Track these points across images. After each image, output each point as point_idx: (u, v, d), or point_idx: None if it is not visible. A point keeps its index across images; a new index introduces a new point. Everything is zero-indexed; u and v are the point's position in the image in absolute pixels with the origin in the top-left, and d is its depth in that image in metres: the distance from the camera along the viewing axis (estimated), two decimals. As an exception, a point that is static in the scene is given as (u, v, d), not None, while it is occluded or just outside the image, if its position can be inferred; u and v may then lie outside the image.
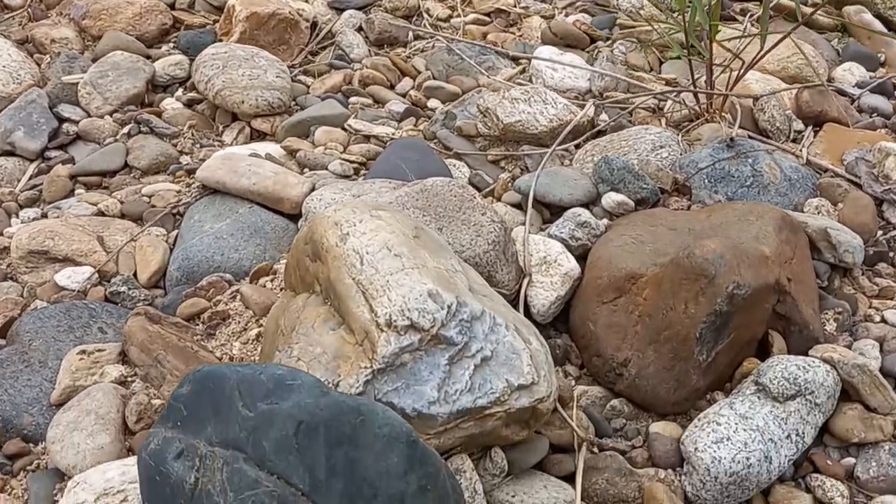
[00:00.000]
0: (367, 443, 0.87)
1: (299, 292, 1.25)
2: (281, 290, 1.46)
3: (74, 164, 1.93)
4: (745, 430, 1.18)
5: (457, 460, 1.12)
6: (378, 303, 1.11)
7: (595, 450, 1.27)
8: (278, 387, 0.89)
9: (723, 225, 1.45)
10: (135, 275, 1.61)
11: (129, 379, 1.33)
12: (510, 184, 1.75)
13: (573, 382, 1.38)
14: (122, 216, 1.77)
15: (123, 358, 1.38)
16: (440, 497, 0.88)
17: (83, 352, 1.36)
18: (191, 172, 1.85)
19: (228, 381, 0.92)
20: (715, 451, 1.16)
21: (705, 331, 1.26)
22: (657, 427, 1.29)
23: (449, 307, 1.12)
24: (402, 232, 1.21)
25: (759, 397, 1.23)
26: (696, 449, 1.17)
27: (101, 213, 1.77)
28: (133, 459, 1.11)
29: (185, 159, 1.93)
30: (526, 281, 1.46)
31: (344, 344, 1.11)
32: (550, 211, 1.65)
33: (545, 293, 1.45)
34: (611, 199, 1.61)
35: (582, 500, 1.18)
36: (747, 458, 1.15)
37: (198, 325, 1.45)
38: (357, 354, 1.09)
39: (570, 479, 1.24)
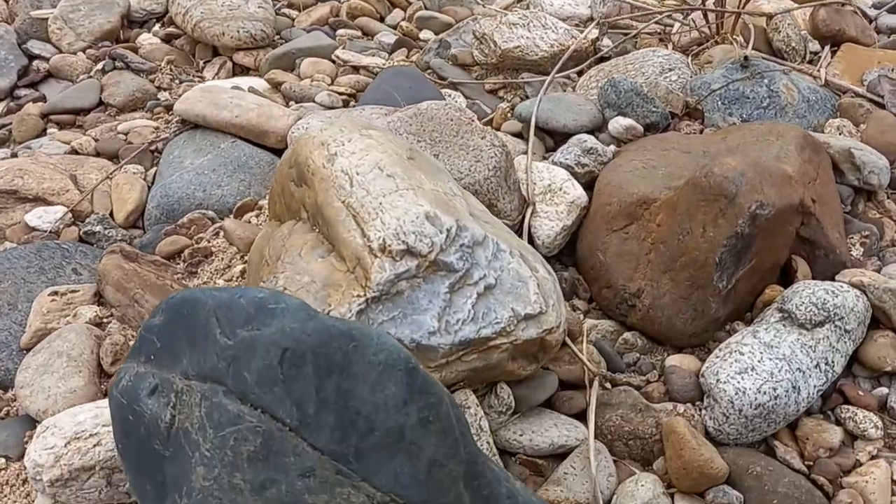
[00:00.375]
0: (360, 371, 0.78)
1: (285, 221, 1.15)
2: (266, 223, 1.36)
3: (46, 102, 1.82)
4: (770, 359, 1.09)
5: (460, 396, 1.04)
6: (370, 226, 1.01)
7: (608, 385, 1.18)
8: (260, 311, 0.80)
9: (741, 146, 1.35)
10: (111, 214, 1.51)
11: (105, 320, 1.23)
12: (509, 113, 1.64)
13: (582, 317, 1.29)
14: (97, 154, 1.66)
15: (99, 299, 1.28)
16: (444, 430, 0.79)
17: (55, 293, 1.26)
18: (169, 109, 1.74)
19: (204, 307, 0.82)
20: (739, 382, 1.07)
21: (725, 256, 1.16)
22: (674, 360, 1.20)
23: (448, 231, 1.02)
24: (394, 152, 1.10)
25: (784, 325, 1.14)
26: (717, 381, 1.08)
27: (74, 152, 1.66)
28: (107, 401, 1.02)
29: (163, 95, 1.82)
30: (529, 210, 1.35)
31: (334, 272, 1.01)
32: (553, 139, 1.55)
33: (550, 223, 1.35)
34: (618, 123, 1.50)
35: (595, 438, 1.09)
36: (774, 389, 1.06)
37: (178, 263, 1.35)
38: (349, 282, 0.99)
39: (581, 416, 1.15)
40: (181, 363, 0.83)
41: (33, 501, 1.00)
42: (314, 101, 1.70)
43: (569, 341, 1.18)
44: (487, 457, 0.84)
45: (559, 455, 1.11)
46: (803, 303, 1.14)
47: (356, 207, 1.03)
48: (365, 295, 0.97)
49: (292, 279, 1.01)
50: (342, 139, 1.10)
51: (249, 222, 1.41)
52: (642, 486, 1.02)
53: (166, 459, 0.84)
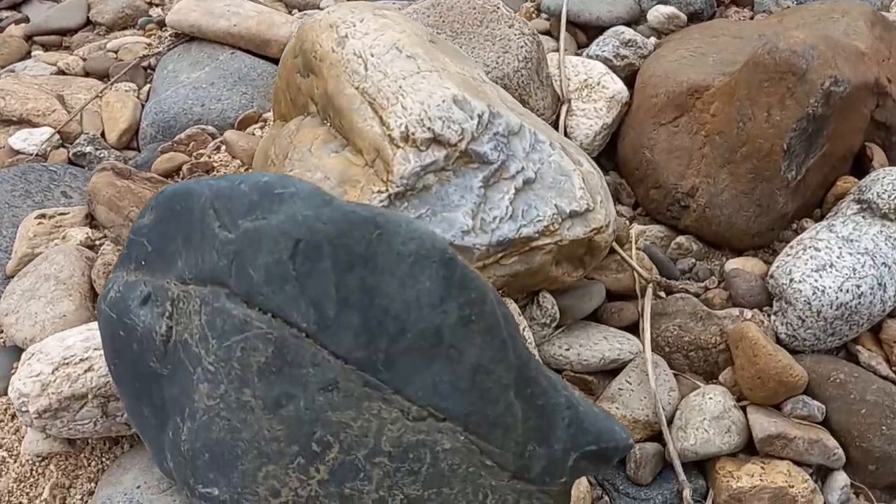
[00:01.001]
0: (388, 264, 0.65)
1: (292, 118, 1.01)
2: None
3: (29, 23, 1.68)
4: (850, 254, 0.95)
5: (499, 305, 0.91)
6: (390, 113, 0.87)
7: (661, 294, 1.05)
8: (265, 197, 0.67)
9: (801, 27, 1.20)
10: (102, 135, 1.38)
11: (98, 242, 1.11)
12: (534, 12, 1.49)
13: (628, 223, 1.16)
14: (86, 74, 1.53)
15: (91, 221, 1.15)
16: (489, 330, 0.66)
17: (42, 216, 1.13)
18: (162, 25, 1.60)
19: (200, 199, 0.69)
20: (816, 281, 0.93)
21: (794, 141, 1.02)
22: (735, 263, 1.07)
23: (480, 117, 0.88)
24: (413, 32, 0.96)
25: (864, 216, 1.00)
26: (791, 280, 0.95)
27: (61, 73, 1.53)
28: (99, 324, 0.90)
29: (155, 11, 1.68)
30: (564, 109, 1.21)
31: (350, 166, 0.88)
32: (586, 34, 1.40)
33: (588, 122, 1.20)
34: (658, 13, 1.35)
35: (651, 350, 0.96)
36: (857, 287, 0.93)
37: (176, 181, 1.22)
38: (368, 178, 0.86)
39: (632, 329, 1.03)
40: (176, 266, 0.71)
41: (24, 437, 0.88)
42: (319, 9, 1.55)
43: (616, 247, 1.05)
44: (540, 362, 0.71)
45: (610, 371, 0.98)
46: (885, 190, 1.00)
47: (372, 93, 0.89)
48: (387, 190, 0.84)
49: (302, 177, 0.88)
50: (353, 20, 0.96)
51: (253, 135, 1.28)
52: (710, 398, 0.90)
53: (164, 379, 0.72)
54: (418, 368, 0.65)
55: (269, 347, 0.65)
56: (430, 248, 0.65)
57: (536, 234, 0.89)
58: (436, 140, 0.86)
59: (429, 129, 0.86)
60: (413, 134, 0.85)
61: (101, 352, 0.84)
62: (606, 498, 0.91)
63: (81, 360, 0.84)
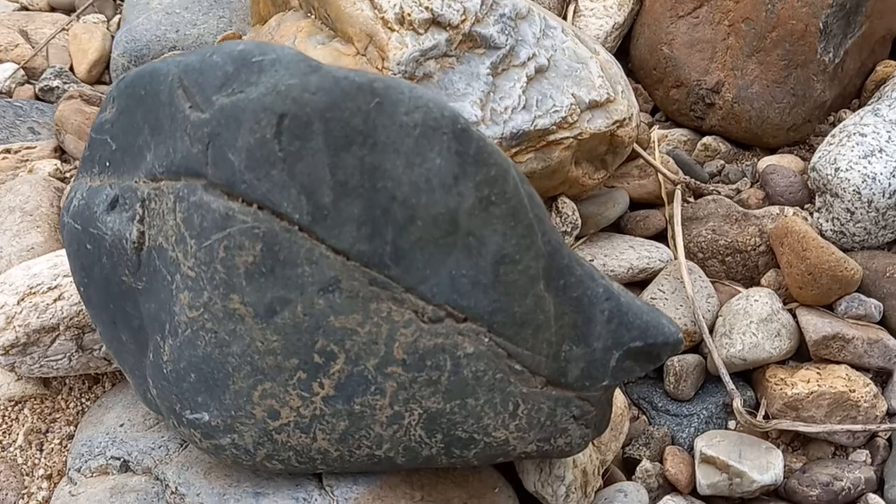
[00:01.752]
0: (390, 139, 0.55)
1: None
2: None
3: (-13, -39, 1.56)
4: (901, 137, 0.86)
5: (516, 208, 0.81)
6: (382, -5, 0.77)
7: (690, 198, 0.96)
8: (242, 68, 0.56)
9: None
10: (71, 69, 1.27)
11: (68, 175, 1.01)
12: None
13: (647, 127, 1.06)
14: (51, 10, 1.41)
15: (60, 154, 1.05)
16: (513, 213, 0.56)
17: (7, 150, 1.04)
18: (131, -45, 1.48)
19: (166, 79, 0.59)
20: (866, 168, 0.84)
21: (831, 20, 0.92)
22: (771, 160, 0.97)
23: (483, -3, 0.78)
24: (404, -89, 0.85)
25: (912, 98, 0.91)
26: (837, 170, 0.85)
27: (24, 9, 1.41)
28: (69, 251, 0.80)
29: (122, -58, 1.55)
30: (571, 8, 1.11)
31: (340, 57, 0.78)
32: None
33: (598, 21, 1.10)
34: None
35: (685, 257, 0.87)
36: (912, 171, 0.84)
37: (152, 108, 1.11)
38: (360, 67, 0.76)
39: (659, 237, 0.94)
40: (145, 162, 0.61)
41: (-7, 381, 0.79)
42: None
43: (639, 149, 0.95)
44: (571, 250, 0.62)
45: (639, 282, 0.89)
46: (936, 68, 0.90)
47: (361, -25, 0.78)
48: (384, 80, 0.74)
49: (287, 72, 0.77)
50: None
51: (234, 56, 1.17)
52: (756, 301, 0.80)
53: (140, 294, 0.62)
54: (432, 262, 0.55)
55: (256, 245, 0.55)
56: (439, 117, 0.55)
57: (554, 126, 0.79)
58: (435, 21, 0.76)
59: (426, 8, 0.76)
60: (409, 15, 0.75)
61: (71, 279, 0.74)
62: (644, 417, 0.82)
63: (50, 288, 0.75)
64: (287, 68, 0.55)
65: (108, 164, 0.64)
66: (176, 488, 0.63)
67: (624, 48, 1.14)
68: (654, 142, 1.00)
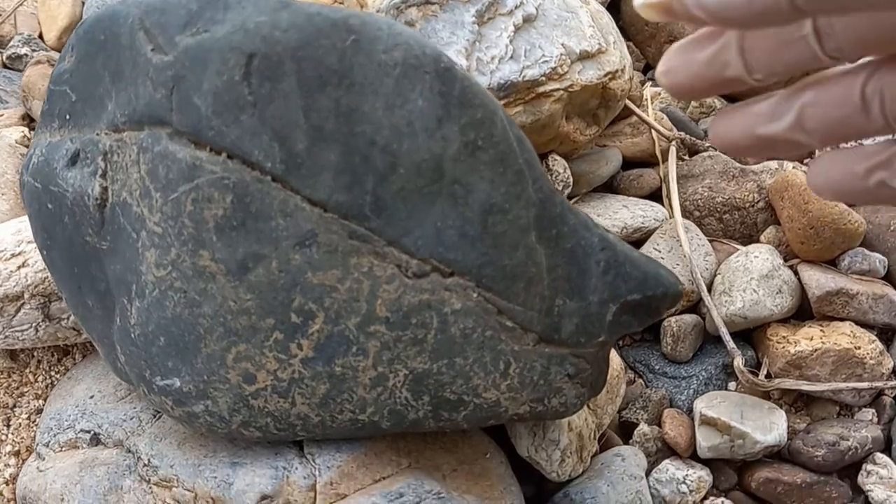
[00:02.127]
0: (368, 79, 0.51)
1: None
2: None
3: (-48, -71, 1.50)
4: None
5: (504, 164, 0.78)
6: (360, -60, 0.72)
7: (685, 156, 0.92)
8: (207, 5, 0.52)
9: None
10: (40, 36, 1.22)
11: (37, 142, 0.96)
12: None
13: (640, 84, 1.02)
14: (19, -23, 1.36)
15: (29, 122, 1.01)
16: (501, 157, 0.52)
17: (-29, 119, 0.99)
18: (102, -80, 1.42)
19: (127, 21, 0.55)
20: (868, 118, 0.80)
21: (830, -34, 0.88)
22: (768, 114, 0.94)
23: (467, -58, 0.74)
24: None
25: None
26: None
27: (-10, -23, 1.36)
28: (34, 216, 0.76)
29: None
30: (559, -37, 1.06)
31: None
32: None
33: (587, -23, 1.06)
34: None
35: (681, 215, 0.84)
36: (916, 121, 0.80)
37: (124, 73, 1.07)
38: (338, 16, 0.72)
39: (653, 197, 0.90)
40: (106, 111, 0.57)
41: (-43, 356, 0.75)
42: None
43: (631, 105, 0.92)
44: (564, 197, 0.58)
45: (633, 242, 0.86)
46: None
47: (337, -80, 0.74)
48: (363, 28, 0.70)
49: (261, 22, 0.73)
50: None
51: (209, 19, 1.13)
52: (756, 257, 0.77)
53: (105, 255, 0.58)
54: (416, 213, 0.51)
55: (226, 197, 0.51)
56: (421, 55, 0.51)
57: (543, 78, 0.75)
58: (417, -33, 0.72)
59: (408, -47, 0.71)
60: (389, -39, 0.71)
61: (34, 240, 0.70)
62: (640, 380, 0.79)
63: (13, 255, 0.71)
64: (255, 5, 0.51)
65: (67, 116, 0.60)
66: (149, 460, 0.60)
67: (615, 4, 1.10)
68: (646, 99, 0.96)
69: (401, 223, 0.51)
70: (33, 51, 1.16)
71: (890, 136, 0.48)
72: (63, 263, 0.62)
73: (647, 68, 1.06)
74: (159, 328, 0.55)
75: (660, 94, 1.01)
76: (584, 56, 0.78)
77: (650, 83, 1.03)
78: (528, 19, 0.77)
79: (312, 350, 0.53)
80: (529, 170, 0.53)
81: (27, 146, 0.96)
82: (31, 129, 1.00)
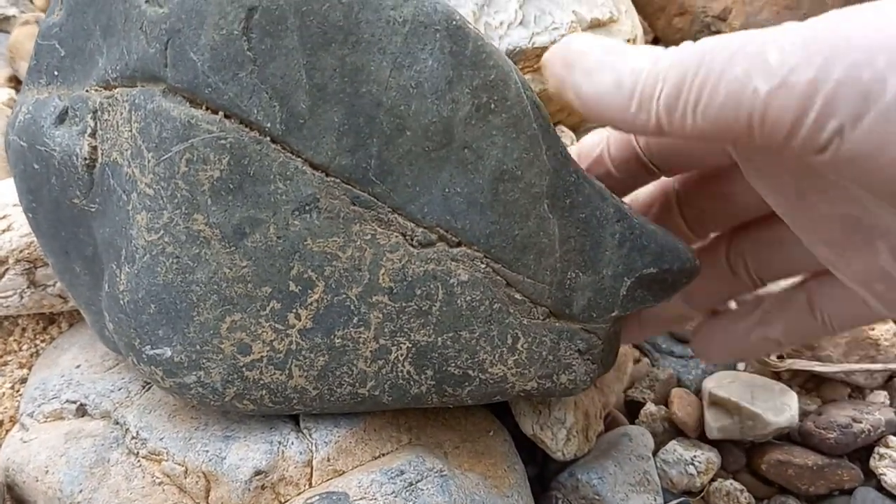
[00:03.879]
0: (375, 36, 0.48)
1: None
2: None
3: None
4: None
5: (511, 133, 0.75)
6: None
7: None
8: (205, -46, 0.49)
9: None
10: (28, -3, 1.18)
11: (24, 105, 0.93)
12: None
13: (648, 56, 0.99)
14: (7, -63, 1.31)
15: (16, 84, 0.97)
16: (514, 123, 0.50)
17: (-44, 80, 0.95)
18: None
19: (119, -31, 0.52)
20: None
21: (849, -64, 0.85)
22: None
23: None
24: None
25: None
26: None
27: (-23, -64, 1.31)
28: (20, 179, 0.73)
29: None
30: (567, -69, 1.03)
31: (318, -37, 0.70)
32: None
33: (595, -55, 1.03)
34: None
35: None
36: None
37: (116, 35, 1.03)
38: (341, -27, 0.69)
39: (662, 173, 0.88)
40: (97, 67, 0.54)
41: (-62, 323, 0.72)
42: None
43: (640, 77, 0.89)
44: (579, 165, 0.55)
45: (641, 219, 0.83)
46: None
47: None
48: (367, -13, 0.67)
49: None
50: None
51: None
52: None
53: (93, 218, 0.55)
54: (423, 178, 0.49)
55: (223, 158, 0.47)
56: (432, 12, 0.48)
57: (553, 45, 0.72)
58: (424, -75, 0.69)
59: None
60: (395, -84, 0.68)
61: (20, 208, 0.67)
62: (646, 360, 0.77)
63: (-2, 218, 0.68)
64: None
65: (56, 73, 0.57)
66: (137, 433, 0.57)
67: (622, -24, 1.07)
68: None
69: (407, 189, 0.49)
70: (21, 12, 1.13)
71: (757, 293, 0.57)
72: (49, 227, 0.59)
73: (656, 41, 1.04)
74: (150, 295, 0.52)
75: (668, 67, 0.98)
76: (595, 24, 0.76)
77: (659, 56, 1.00)
78: (537, -17, 0.74)
79: (311, 321, 0.51)
80: (544, 135, 0.51)
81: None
82: (19, 91, 0.96)
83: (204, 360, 0.52)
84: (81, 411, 0.62)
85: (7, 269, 0.67)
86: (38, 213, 0.59)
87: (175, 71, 0.48)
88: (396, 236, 0.49)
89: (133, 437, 0.57)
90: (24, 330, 0.71)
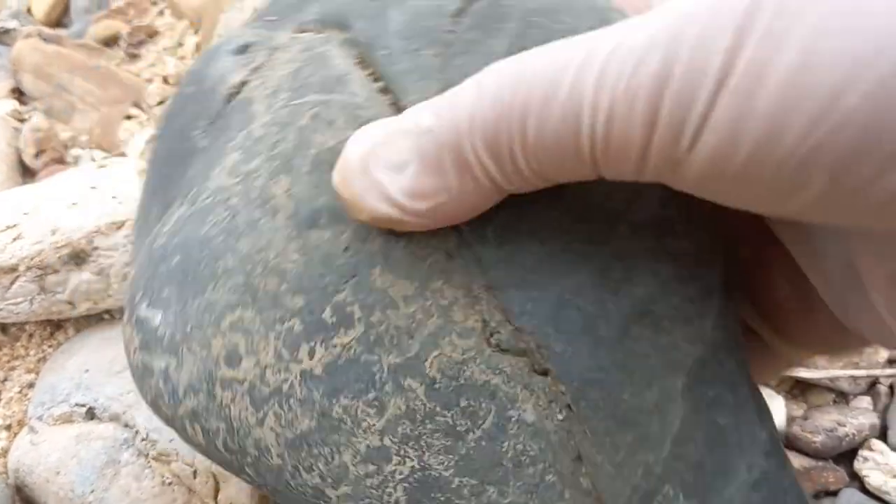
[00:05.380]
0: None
1: (248, -55, 0.85)
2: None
3: None
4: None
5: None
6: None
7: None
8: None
9: None
10: (29, 10, 1.20)
11: (27, 116, 0.95)
12: None
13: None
14: (6, -49, 1.33)
15: (19, 96, 0.99)
16: (695, 260, 0.39)
17: (-41, 92, 0.97)
18: None
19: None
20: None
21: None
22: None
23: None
24: None
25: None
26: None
27: (-24, -50, 1.33)
28: (32, 185, 0.75)
29: None
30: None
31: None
32: None
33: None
34: None
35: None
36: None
37: (115, 49, 1.05)
38: (345, -9, 0.71)
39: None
40: (303, 13, 0.46)
41: (-55, 329, 0.74)
42: None
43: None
44: (747, 357, 0.40)
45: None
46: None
47: None
48: (370, 5, 0.69)
49: (265, -4, 0.72)
50: None
51: (203, -3, 1.11)
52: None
53: (195, 156, 0.45)
54: (548, 267, 0.35)
55: (347, 130, 0.37)
56: None
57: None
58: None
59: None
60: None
61: (32, 217, 0.69)
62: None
63: (8, 226, 0.69)
64: None
65: (274, 18, 0.48)
66: (147, 434, 0.59)
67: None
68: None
69: (521, 270, 0.35)
70: (22, 25, 1.14)
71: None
72: (161, 157, 0.48)
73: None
74: (183, 244, 0.40)
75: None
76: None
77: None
78: None
79: (323, 367, 0.36)
80: (720, 292, 0.37)
81: (19, 119, 0.94)
82: (22, 102, 0.98)
83: (185, 348, 0.39)
84: (90, 414, 0.63)
85: (18, 276, 0.68)
86: (162, 140, 0.48)
87: (365, 22, 0.41)
88: (476, 321, 0.36)
89: (143, 439, 0.59)
90: (31, 335, 0.73)
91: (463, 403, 0.35)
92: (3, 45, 1.13)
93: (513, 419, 0.35)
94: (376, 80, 0.38)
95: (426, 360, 0.36)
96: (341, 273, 0.36)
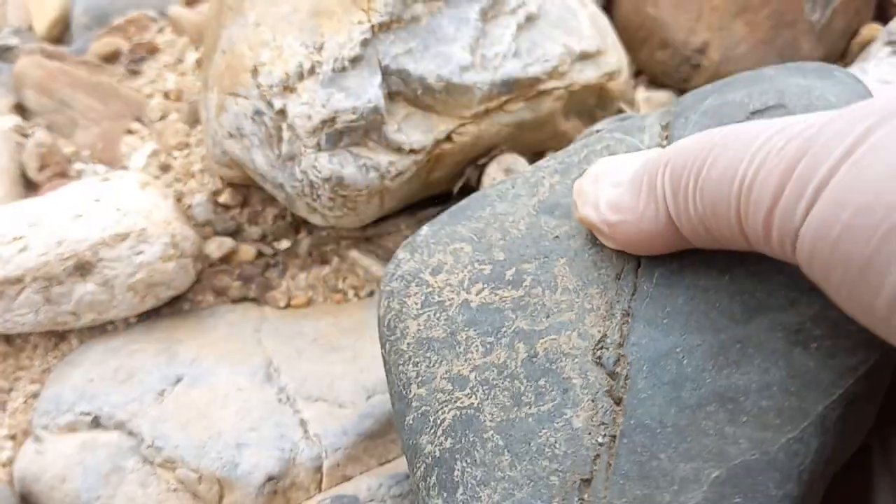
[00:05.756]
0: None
1: (249, -37, 0.86)
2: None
3: (-62, -80, 1.49)
4: (890, 94, 0.85)
5: (507, 159, 0.79)
6: (368, -66, 0.73)
7: (676, 159, 0.94)
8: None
9: None
10: (30, 28, 1.21)
11: (30, 132, 0.96)
12: None
13: (633, 86, 1.04)
14: (7, -30, 1.35)
15: (22, 112, 1.00)
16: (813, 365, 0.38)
17: (-38, 108, 0.98)
18: (93, -84, 1.42)
19: None
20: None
21: (819, -23, 0.91)
22: (757, 120, 0.96)
23: (472, -61, 0.75)
24: None
25: (899, 56, 0.90)
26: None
27: (-22, -32, 1.35)
28: (37, 198, 0.76)
29: None
30: (553, -31, 1.08)
31: (324, -2, 0.74)
32: None
33: (580, -17, 1.08)
34: None
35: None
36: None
37: (116, 66, 1.06)
38: (345, 7, 0.73)
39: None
40: None
41: (-50, 340, 0.74)
42: None
43: (625, 106, 0.93)
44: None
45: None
46: (921, 26, 0.89)
47: (345, -85, 0.75)
48: (369, 21, 0.71)
49: (267, 12, 0.74)
50: None
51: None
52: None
53: None
54: (680, 320, 0.38)
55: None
56: None
57: (545, 76, 0.76)
58: (424, -37, 0.73)
59: (416, -51, 0.72)
60: (397, -45, 0.72)
61: (37, 228, 0.70)
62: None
63: (14, 238, 0.70)
64: None
65: None
66: (152, 441, 0.60)
67: (607, 9, 1.12)
68: (638, 103, 0.98)
69: (658, 311, 0.39)
70: (23, 43, 1.16)
71: None
72: None
73: (638, 73, 1.09)
74: None
75: (650, 98, 1.03)
76: (584, 56, 0.80)
77: (642, 86, 1.05)
78: (530, 18, 0.78)
79: (478, 303, 0.44)
80: (814, 435, 0.35)
81: (22, 135, 0.95)
82: (24, 118, 0.99)
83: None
84: (95, 423, 0.64)
85: (24, 287, 0.69)
86: None
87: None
88: (598, 331, 0.40)
89: (148, 446, 0.60)
90: (35, 347, 0.73)
91: (541, 383, 0.40)
92: (6, 63, 1.15)
93: (564, 416, 0.38)
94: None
95: (543, 338, 0.41)
96: (540, 251, 0.44)
